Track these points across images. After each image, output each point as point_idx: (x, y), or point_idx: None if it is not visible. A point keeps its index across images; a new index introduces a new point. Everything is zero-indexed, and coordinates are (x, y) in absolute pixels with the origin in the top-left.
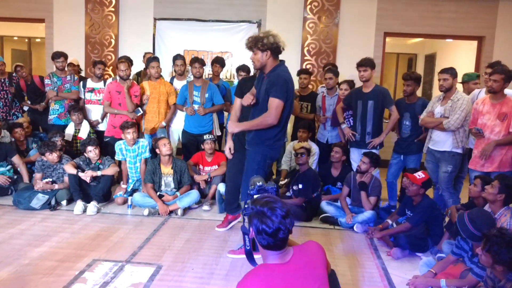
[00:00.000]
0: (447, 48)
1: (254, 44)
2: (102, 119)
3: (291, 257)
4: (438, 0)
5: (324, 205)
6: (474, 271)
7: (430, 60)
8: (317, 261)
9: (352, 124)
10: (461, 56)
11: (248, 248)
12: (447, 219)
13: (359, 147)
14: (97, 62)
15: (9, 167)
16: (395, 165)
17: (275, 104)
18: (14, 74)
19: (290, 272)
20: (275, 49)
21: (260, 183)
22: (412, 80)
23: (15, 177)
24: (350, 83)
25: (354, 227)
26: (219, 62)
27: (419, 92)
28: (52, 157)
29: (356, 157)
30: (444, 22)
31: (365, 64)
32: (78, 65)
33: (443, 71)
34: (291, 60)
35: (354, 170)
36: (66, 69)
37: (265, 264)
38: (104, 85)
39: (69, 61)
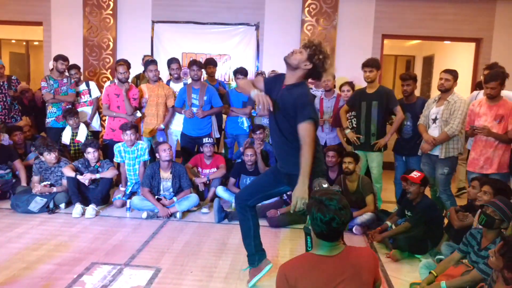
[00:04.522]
0: (445, 50)
1: (311, 48)
2: (91, 119)
3: (339, 253)
4: (436, 2)
5: None
6: (479, 267)
7: (428, 62)
8: (365, 267)
9: (355, 125)
10: (459, 58)
11: (310, 249)
12: (446, 221)
13: (363, 149)
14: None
15: (8, 170)
16: (400, 167)
17: (308, 130)
18: (13, 77)
19: (331, 267)
20: (316, 71)
21: (326, 185)
22: (411, 80)
23: (14, 180)
24: (351, 84)
25: (353, 229)
26: (211, 63)
27: (417, 94)
28: (50, 157)
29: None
30: (442, 24)
31: (371, 64)
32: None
33: (447, 71)
34: None
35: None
36: (67, 72)
37: (312, 253)
38: (87, 87)
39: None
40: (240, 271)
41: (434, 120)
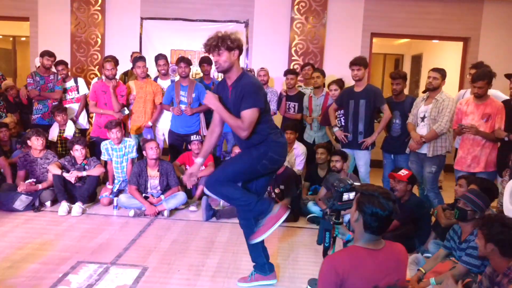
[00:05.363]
0: (433, 49)
1: (221, 42)
2: (77, 117)
3: (383, 247)
4: (424, 2)
5: (311, 205)
6: (462, 259)
7: (417, 60)
8: (402, 261)
9: (343, 123)
10: (447, 57)
11: (327, 245)
12: (433, 219)
13: (351, 147)
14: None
15: None
16: (388, 166)
17: (250, 115)
18: None
19: (379, 260)
20: (240, 47)
21: (350, 181)
22: (401, 79)
23: None
24: (339, 82)
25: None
26: (206, 61)
27: (405, 92)
28: (38, 143)
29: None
30: (430, 23)
31: (359, 63)
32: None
33: (435, 69)
34: (279, 60)
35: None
36: (53, 69)
37: (356, 246)
38: (75, 83)
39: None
40: (227, 269)
41: (423, 118)
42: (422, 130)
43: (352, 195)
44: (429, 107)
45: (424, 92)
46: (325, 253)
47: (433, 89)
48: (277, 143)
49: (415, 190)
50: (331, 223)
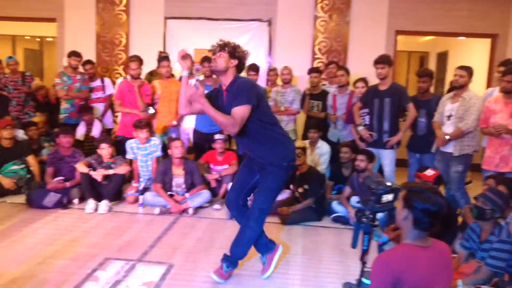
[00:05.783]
0: (459, 46)
1: (228, 46)
2: (103, 116)
3: (431, 244)
4: None
5: (335, 205)
6: (488, 263)
7: (442, 58)
8: (449, 260)
9: (368, 122)
10: (474, 54)
11: (366, 248)
12: (460, 220)
13: (376, 146)
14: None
15: (22, 166)
16: (413, 165)
17: (239, 112)
18: (27, 74)
19: (429, 257)
20: (242, 63)
21: (389, 183)
22: (428, 76)
23: (28, 176)
24: (365, 80)
25: None
26: (208, 60)
27: (431, 91)
28: (66, 139)
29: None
30: (457, 20)
31: (383, 61)
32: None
33: (462, 67)
34: (302, 58)
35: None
36: (80, 69)
37: (407, 243)
38: (102, 83)
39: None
40: (252, 267)
41: (449, 117)
42: (448, 128)
43: (391, 196)
44: (455, 105)
45: (449, 90)
46: (363, 256)
47: (459, 87)
48: (284, 148)
49: (441, 189)
50: (369, 225)
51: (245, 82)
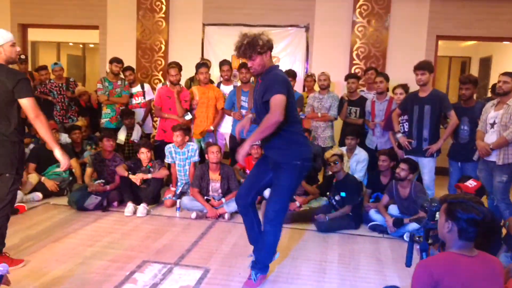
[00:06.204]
0: (504, 51)
1: (252, 49)
2: (143, 121)
3: (477, 254)
4: (493, 1)
5: (373, 213)
6: None
7: (485, 63)
8: (499, 273)
9: (407, 129)
10: None
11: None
12: (504, 231)
13: (415, 154)
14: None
15: None
16: (454, 174)
17: (276, 100)
18: (71, 79)
19: (474, 266)
20: (271, 46)
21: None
22: (471, 83)
23: (70, 178)
24: (405, 87)
25: (404, 236)
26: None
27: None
28: (109, 143)
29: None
30: (500, 23)
31: (424, 67)
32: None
33: (506, 73)
34: (340, 64)
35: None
36: (121, 75)
37: (450, 252)
38: (142, 89)
39: None
40: (288, 274)
41: (492, 124)
42: (491, 137)
43: None
44: (499, 112)
45: (492, 97)
46: None
47: (503, 94)
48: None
49: (484, 200)
50: (425, 243)
51: (277, 75)
